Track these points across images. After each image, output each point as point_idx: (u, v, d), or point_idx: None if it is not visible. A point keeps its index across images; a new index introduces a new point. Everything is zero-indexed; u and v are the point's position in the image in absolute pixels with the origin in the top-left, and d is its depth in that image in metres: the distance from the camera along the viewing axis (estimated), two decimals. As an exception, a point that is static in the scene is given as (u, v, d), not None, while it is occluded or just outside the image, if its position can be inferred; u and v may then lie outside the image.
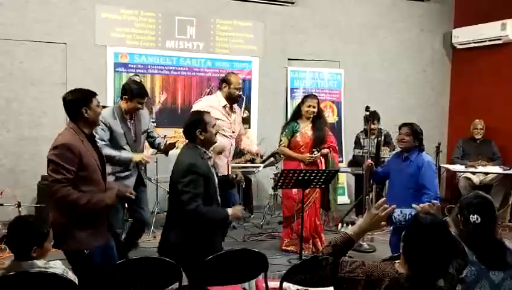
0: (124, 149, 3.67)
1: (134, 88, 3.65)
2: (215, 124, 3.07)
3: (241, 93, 4.33)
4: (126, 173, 3.70)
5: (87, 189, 2.65)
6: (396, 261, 1.83)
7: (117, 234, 3.64)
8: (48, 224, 2.44)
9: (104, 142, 3.52)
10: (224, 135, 4.16)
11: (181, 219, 2.88)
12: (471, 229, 2.12)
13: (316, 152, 4.45)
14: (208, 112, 3.16)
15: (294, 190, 4.41)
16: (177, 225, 2.92)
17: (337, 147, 4.71)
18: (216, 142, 3.18)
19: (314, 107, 4.47)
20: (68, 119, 2.77)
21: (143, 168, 3.93)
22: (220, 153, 4.08)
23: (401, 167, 3.78)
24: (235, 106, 4.37)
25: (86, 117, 2.68)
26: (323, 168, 4.48)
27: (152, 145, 4.10)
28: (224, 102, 4.22)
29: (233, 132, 4.32)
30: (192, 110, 4.04)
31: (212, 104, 4.15)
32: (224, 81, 4.27)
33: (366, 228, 2.01)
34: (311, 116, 4.48)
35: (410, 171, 3.68)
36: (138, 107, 3.67)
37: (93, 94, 2.76)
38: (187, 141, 3.04)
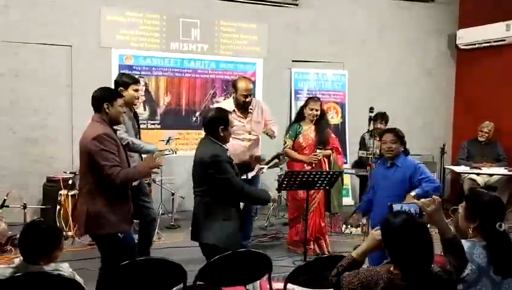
0: None
1: (126, 77, 3.86)
2: (234, 126, 3.29)
3: (248, 99, 4.24)
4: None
5: None
6: (392, 264, 1.87)
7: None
8: (61, 232, 2.52)
9: (127, 133, 3.68)
10: (237, 138, 4.15)
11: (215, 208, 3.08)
12: (496, 237, 2.11)
13: (317, 151, 4.50)
14: (230, 112, 3.34)
15: (300, 192, 4.42)
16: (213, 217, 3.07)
17: (340, 149, 4.76)
18: (228, 142, 3.27)
19: (317, 110, 4.52)
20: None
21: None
22: None
23: (386, 174, 3.49)
24: (254, 103, 4.35)
25: (107, 113, 2.90)
26: (327, 169, 4.51)
27: None
28: (233, 107, 4.25)
29: (249, 133, 4.31)
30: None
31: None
32: (233, 86, 4.33)
33: (369, 249, 2.05)
34: (314, 119, 4.54)
35: (398, 177, 3.43)
36: (136, 96, 3.83)
37: (120, 95, 3.04)
38: (206, 133, 3.17)
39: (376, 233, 2.02)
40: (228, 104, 4.35)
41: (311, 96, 5.06)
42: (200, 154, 3.09)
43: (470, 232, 2.21)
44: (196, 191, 3.12)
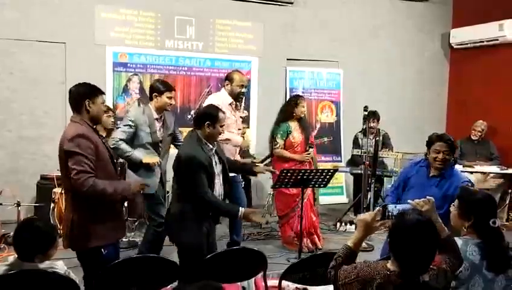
0: (147, 148, 3.74)
1: (161, 83, 3.85)
2: (223, 125, 3.15)
3: (244, 90, 4.29)
4: (149, 172, 3.74)
5: (104, 179, 2.64)
6: (389, 260, 1.87)
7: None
8: (56, 230, 2.48)
9: (123, 138, 3.64)
10: (233, 132, 4.23)
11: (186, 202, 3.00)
12: (491, 233, 2.14)
13: (310, 149, 4.66)
14: (224, 112, 3.22)
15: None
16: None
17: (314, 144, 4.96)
18: (217, 140, 3.21)
19: (305, 107, 4.71)
20: (72, 113, 2.71)
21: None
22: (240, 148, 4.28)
23: (428, 183, 3.15)
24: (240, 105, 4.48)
25: (88, 110, 2.66)
26: (312, 165, 4.67)
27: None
28: (230, 99, 4.26)
29: (239, 129, 4.38)
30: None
31: (219, 103, 4.11)
32: (227, 78, 4.32)
33: (364, 236, 2.06)
34: (303, 116, 4.72)
35: (442, 189, 3.09)
36: (168, 103, 3.79)
37: (101, 92, 2.76)
38: (194, 128, 3.14)
39: (364, 217, 2.04)
40: (224, 96, 4.27)
41: (297, 95, 5.11)
42: (181, 148, 3.15)
43: (464, 230, 2.23)
44: (173, 185, 3.08)
